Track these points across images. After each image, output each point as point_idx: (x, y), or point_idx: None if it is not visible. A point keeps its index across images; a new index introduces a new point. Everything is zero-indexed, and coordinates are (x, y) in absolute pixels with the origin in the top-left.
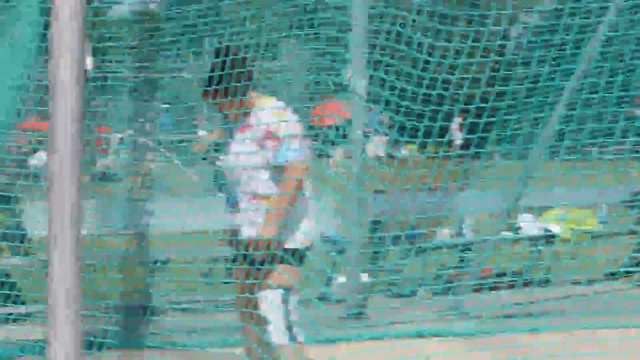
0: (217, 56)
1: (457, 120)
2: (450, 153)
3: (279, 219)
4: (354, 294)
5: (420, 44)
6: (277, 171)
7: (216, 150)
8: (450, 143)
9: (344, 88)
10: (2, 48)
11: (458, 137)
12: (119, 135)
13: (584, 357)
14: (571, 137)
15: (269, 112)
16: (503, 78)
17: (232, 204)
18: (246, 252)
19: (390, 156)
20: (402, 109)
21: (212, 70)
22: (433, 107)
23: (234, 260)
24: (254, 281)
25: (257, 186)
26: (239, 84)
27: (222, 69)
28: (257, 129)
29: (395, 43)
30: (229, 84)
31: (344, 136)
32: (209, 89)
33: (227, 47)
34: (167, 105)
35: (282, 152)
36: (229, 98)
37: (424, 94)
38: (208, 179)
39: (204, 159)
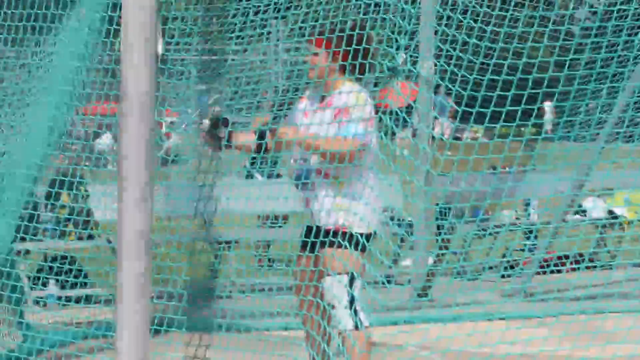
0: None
1: (547, 104)
2: (518, 138)
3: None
4: (419, 276)
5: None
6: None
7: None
8: (539, 126)
9: (399, 72)
10: (68, 30)
11: (548, 120)
12: (169, 119)
13: None
14: (637, 122)
15: (354, 93)
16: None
17: (303, 184)
18: (306, 239)
19: (455, 139)
20: (467, 93)
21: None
22: (498, 93)
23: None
24: (314, 268)
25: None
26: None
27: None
28: (336, 108)
29: (459, 29)
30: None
31: (405, 120)
32: (326, 36)
33: (369, 35)
34: (232, 88)
35: (347, 127)
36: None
37: (488, 78)
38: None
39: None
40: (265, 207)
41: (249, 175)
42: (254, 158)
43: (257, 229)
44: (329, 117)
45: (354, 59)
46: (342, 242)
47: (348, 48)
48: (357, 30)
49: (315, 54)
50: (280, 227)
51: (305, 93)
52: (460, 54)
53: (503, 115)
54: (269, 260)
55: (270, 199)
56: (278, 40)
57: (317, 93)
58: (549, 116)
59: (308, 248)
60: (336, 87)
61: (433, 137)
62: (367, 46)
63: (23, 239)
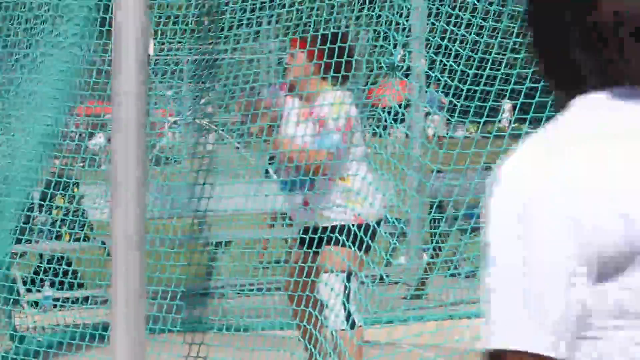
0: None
1: (507, 102)
2: (504, 133)
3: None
4: (412, 274)
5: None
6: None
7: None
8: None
9: (397, 69)
10: (60, 32)
11: (508, 118)
12: (172, 119)
13: None
14: None
15: (331, 98)
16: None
17: (293, 187)
18: (304, 236)
19: (447, 137)
20: (460, 91)
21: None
22: (485, 88)
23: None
24: (310, 264)
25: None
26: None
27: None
28: (316, 115)
29: (453, 26)
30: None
31: (403, 118)
32: (302, 37)
33: (344, 34)
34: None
35: (320, 140)
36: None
37: (477, 75)
38: (265, 162)
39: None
40: (259, 205)
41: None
42: (271, 158)
43: (252, 227)
44: (313, 128)
45: (332, 59)
46: (340, 239)
47: (322, 47)
48: (330, 30)
49: (292, 55)
50: (289, 225)
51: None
52: (459, 49)
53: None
54: (266, 261)
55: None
56: (268, 38)
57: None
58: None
59: (305, 245)
60: (316, 89)
61: (434, 135)
62: (341, 44)
63: (18, 241)
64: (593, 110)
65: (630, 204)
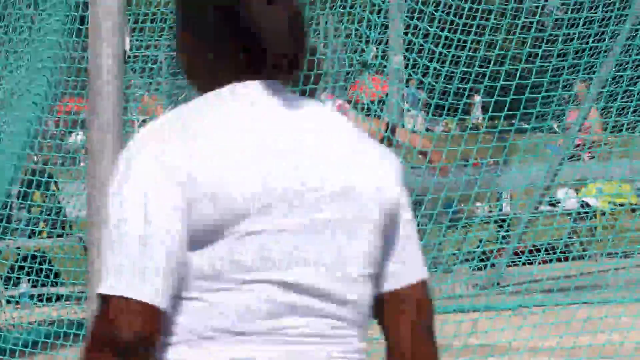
0: None
1: (477, 98)
2: (492, 129)
3: None
4: None
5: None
6: None
7: None
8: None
9: (370, 67)
10: (37, 31)
11: (478, 116)
12: (141, 117)
13: (621, 330)
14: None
15: None
16: (533, 54)
17: None
18: None
19: (428, 130)
20: (437, 87)
21: None
22: (462, 85)
23: None
24: None
25: None
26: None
27: None
28: None
29: (429, 23)
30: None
31: (378, 115)
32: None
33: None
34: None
35: None
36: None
37: (453, 72)
38: None
39: None
40: None
41: None
42: None
43: None
44: None
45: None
46: None
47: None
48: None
49: None
50: None
51: None
52: (432, 47)
53: (493, 108)
54: None
55: None
56: None
57: None
58: (475, 110)
59: None
60: None
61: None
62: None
63: None
64: (223, 99)
65: (219, 185)
